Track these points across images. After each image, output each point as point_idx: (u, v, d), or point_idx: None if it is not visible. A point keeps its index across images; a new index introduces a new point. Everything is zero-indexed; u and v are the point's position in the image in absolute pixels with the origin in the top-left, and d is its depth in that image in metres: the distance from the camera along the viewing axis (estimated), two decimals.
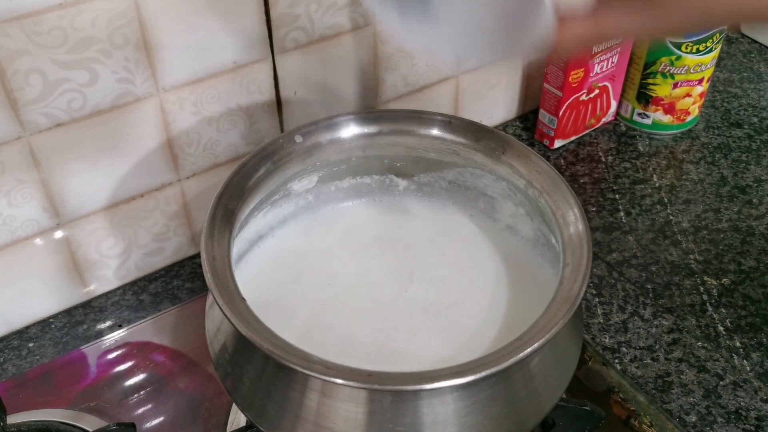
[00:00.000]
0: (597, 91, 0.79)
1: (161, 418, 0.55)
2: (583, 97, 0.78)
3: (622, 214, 0.71)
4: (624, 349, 0.59)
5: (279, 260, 0.53)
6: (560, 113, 0.77)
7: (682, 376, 0.57)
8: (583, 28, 0.33)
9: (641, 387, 0.56)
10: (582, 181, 0.76)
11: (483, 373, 0.36)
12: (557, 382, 0.43)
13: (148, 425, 0.55)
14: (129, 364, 0.59)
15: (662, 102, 0.79)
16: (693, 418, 0.54)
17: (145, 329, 0.61)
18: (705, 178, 0.76)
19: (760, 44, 0.96)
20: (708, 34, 0.74)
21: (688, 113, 0.81)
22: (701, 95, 0.80)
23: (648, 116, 0.81)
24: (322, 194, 0.56)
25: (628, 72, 0.80)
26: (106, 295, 0.65)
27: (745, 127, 0.83)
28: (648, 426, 0.54)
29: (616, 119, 0.84)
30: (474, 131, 0.51)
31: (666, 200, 0.73)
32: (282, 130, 0.65)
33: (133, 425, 0.50)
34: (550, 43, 0.32)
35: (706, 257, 0.67)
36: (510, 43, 0.33)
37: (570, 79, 0.75)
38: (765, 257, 0.67)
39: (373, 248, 0.54)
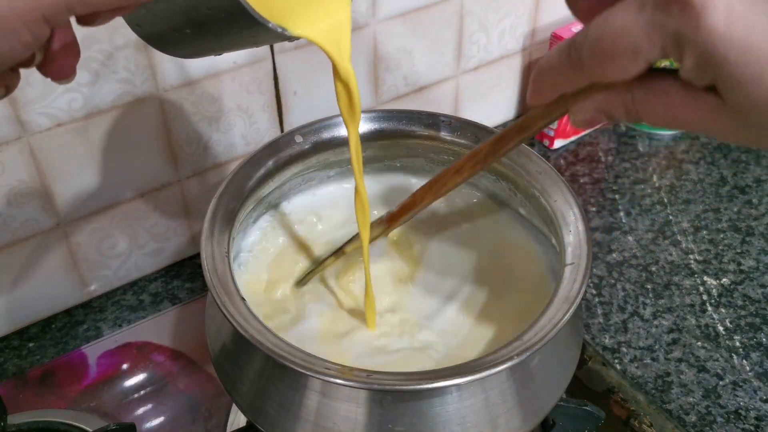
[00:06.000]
0: None
1: (161, 418, 0.55)
2: None
3: (622, 214, 0.71)
4: (624, 349, 0.59)
5: (278, 259, 0.53)
6: None
7: (681, 376, 0.57)
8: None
9: (641, 387, 0.56)
10: (582, 181, 0.76)
11: (483, 374, 0.36)
12: (557, 382, 0.43)
13: (148, 425, 0.55)
14: (129, 364, 0.59)
15: None
16: (693, 418, 0.54)
17: (145, 329, 0.61)
18: (705, 178, 0.76)
19: None
20: None
21: None
22: None
23: None
24: (322, 194, 0.56)
25: None
26: (106, 295, 0.65)
27: None
28: (648, 426, 0.54)
29: None
30: (474, 131, 0.51)
31: (666, 200, 0.73)
32: (282, 130, 0.65)
33: (133, 425, 0.50)
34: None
35: (705, 257, 0.67)
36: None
37: None
38: (765, 257, 0.67)
39: (373, 248, 0.54)
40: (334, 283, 0.52)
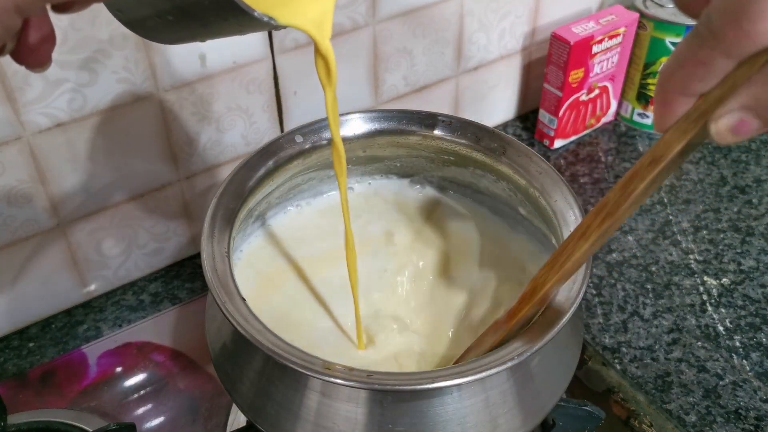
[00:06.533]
0: (597, 91, 0.79)
1: (161, 418, 0.55)
2: (583, 97, 0.78)
3: None
4: (624, 349, 0.59)
5: (278, 258, 0.53)
6: (560, 113, 0.77)
7: (681, 376, 0.57)
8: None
9: (641, 387, 0.56)
10: (582, 181, 0.76)
11: (483, 374, 0.36)
12: (557, 382, 0.43)
13: (148, 425, 0.55)
14: (129, 364, 0.59)
15: None
16: (693, 418, 0.54)
17: (145, 329, 0.61)
18: (705, 178, 0.76)
19: None
20: None
21: None
22: None
23: (648, 116, 0.81)
24: (322, 194, 0.56)
25: (628, 72, 0.80)
26: (106, 295, 0.65)
27: None
28: (648, 426, 0.54)
29: (616, 119, 0.84)
30: (474, 131, 0.51)
31: (666, 200, 0.73)
32: (282, 130, 0.65)
33: (133, 425, 0.50)
34: None
35: (706, 257, 0.67)
36: None
37: (570, 79, 0.75)
38: (765, 257, 0.67)
39: (373, 248, 0.54)
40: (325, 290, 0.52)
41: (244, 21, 0.31)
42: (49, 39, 0.30)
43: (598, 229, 0.33)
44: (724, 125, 0.25)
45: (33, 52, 0.30)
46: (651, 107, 0.80)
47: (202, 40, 0.37)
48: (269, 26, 0.32)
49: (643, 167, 0.30)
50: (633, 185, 0.31)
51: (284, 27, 0.34)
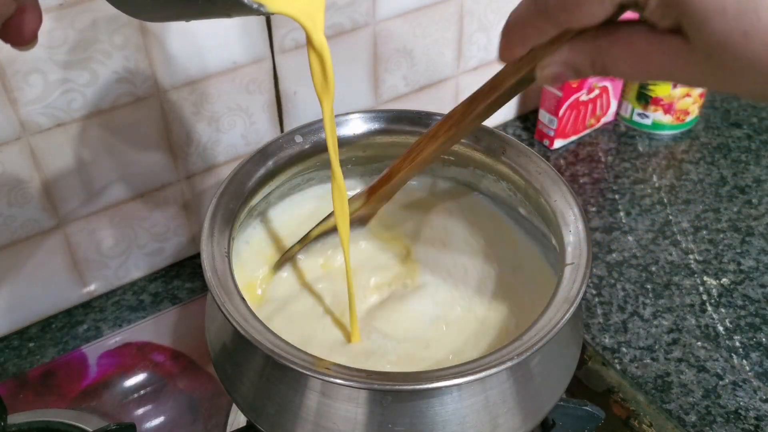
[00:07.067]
0: (597, 91, 0.79)
1: (161, 418, 0.55)
2: (583, 97, 0.78)
3: (622, 214, 0.71)
4: (624, 349, 0.59)
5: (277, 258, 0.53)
6: (560, 113, 0.77)
7: (681, 376, 0.57)
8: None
9: (641, 387, 0.56)
10: (582, 181, 0.76)
11: (483, 374, 0.36)
12: (557, 382, 0.43)
13: (148, 425, 0.55)
14: (129, 364, 0.59)
15: (662, 102, 0.79)
16: (692, 417, 0.54)
17: (145, 329, 0.61)
18: (705, 178, 0.76)
19: None
20: None
21: (688, 113, 0.81)
22: (701, 95, 0.80)
23: (648, 116, 0.81)
24: (321, 194, 0.56)
25: None
26: (106, 295, 0.65)
27: (745, 127, 0.83)
28: (648, 426, 0.54)
29: (616, 119, 0.84)
30: (474, 131, 0.51)
31: (666, 200, 0.73)
32: (282, 130, 0.65)
33: (133, 425, 0.50)
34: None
35: (705, 257, 0.67)
36: None
37: None
38: (765, 257, 0.67)
39: (372, 248, 0.54)
40: (317, 280, 0.51)
41: (233, 5, 0.31)
42: (36, 18, 0.30)
43: (446, 135, 0.41)
44: (547, 73, 0.32)
45: (20, 31, 0.30)
46: (651, 107, 0.80)
47: (187, 20, 0.36)
48: (258, 12, 0.32)
49: (485, 92, 0.38)
50: (476, 104, 0.39)
51: (272, 14, 0.34)
